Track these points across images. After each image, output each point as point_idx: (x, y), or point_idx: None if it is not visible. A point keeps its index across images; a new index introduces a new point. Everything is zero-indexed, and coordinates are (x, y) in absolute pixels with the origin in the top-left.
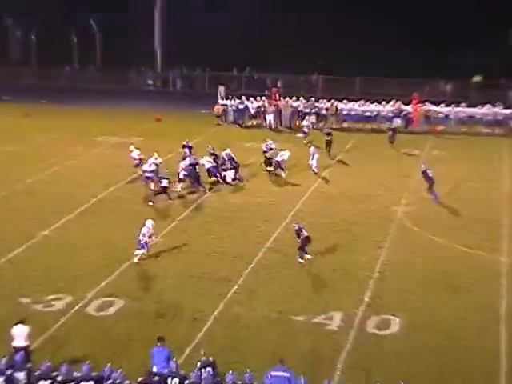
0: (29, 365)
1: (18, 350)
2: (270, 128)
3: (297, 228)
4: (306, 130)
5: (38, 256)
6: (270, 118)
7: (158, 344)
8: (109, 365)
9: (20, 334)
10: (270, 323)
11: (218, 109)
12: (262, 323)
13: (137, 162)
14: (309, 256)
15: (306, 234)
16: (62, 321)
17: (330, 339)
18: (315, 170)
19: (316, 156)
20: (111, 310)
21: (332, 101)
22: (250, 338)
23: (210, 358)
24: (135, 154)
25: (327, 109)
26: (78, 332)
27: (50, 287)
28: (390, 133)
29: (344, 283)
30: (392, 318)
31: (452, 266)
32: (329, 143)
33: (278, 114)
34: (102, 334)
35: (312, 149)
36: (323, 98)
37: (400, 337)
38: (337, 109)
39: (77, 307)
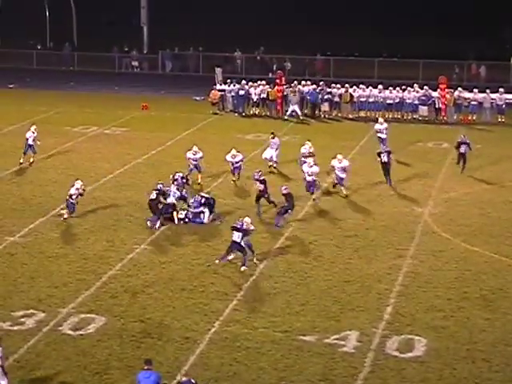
0: None
1: None
2: (298, 118)
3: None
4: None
5: (4, 266)
6: (294, 107)
7: (145, 368)
8: None
9: None
10: (274, 344)
11: (214, 94)
12: (265, 344)
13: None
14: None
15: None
16: (32, 341)
17: (345, 362)
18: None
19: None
20: (90, 329)
21: (347, 86)
22: (250, 361)
23: (192, 380)
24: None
25: (340, 95)
26: (51, 354)
27: (19, 302)
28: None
29: (360, 297)
30: (416, 338)
31: (487, 280)
32: (385, 167)
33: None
34: (79, 356)
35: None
36: (336, 83)
37: (426, 361)
38: (351, 96)
39: (50, 325)
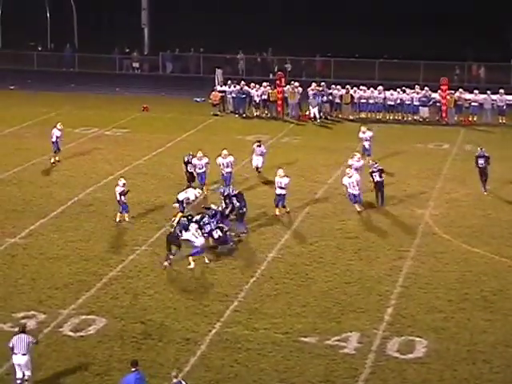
0: None
1: None
2: (315, 119)
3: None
4: None
5: (4, 268)
6: (314, 110)
7: (132, 369)
8: None
9: None
10: (275, 345)
11: (215, 96)
12: (266, 345)
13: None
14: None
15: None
16: None
17: (345, 364)
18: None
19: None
20: (91, 330)
21: (347, 87)
22: (251, 362)
23: (183, 382)
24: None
25: (341, 96)
26: (52, 355)
27: (20, 303)
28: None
29: (361, 299)
30: (417, 339)
31: (488, 281)
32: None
33: (284, 102)
34: (80, 357)
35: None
36: (337, 84)
37: (427, 362)
38: (352, 97)
39: (51, 327)
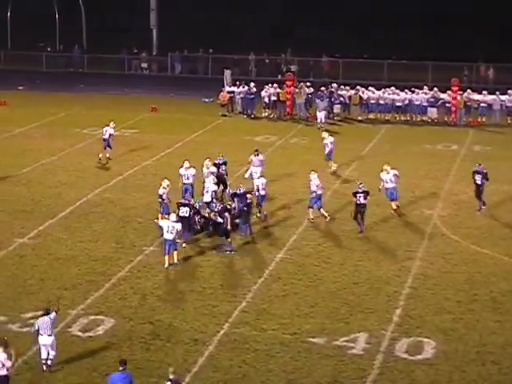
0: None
1: None
2: (320, 122)
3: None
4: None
5: (13, 268)
6: (320, 115)
7: (120, 368)
8: None
9: None
10: (284, 346)
11: (223, 96)
12: (274, 346)
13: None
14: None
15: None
16: None
17: (354, 365)
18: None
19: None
20: (99, 331)
21: (358, 87)
22: (259, 363)
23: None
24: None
25: (350, 97)
26: (60, 356)
27: (28, 304)
28: None
29: (369, 299)
30: (426, 340)
31: (497, 282)
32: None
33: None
34: (88, 357)
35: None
36: (345, 85)
37: (435, 363)
38: (361, 98)
39: (60, 327)
